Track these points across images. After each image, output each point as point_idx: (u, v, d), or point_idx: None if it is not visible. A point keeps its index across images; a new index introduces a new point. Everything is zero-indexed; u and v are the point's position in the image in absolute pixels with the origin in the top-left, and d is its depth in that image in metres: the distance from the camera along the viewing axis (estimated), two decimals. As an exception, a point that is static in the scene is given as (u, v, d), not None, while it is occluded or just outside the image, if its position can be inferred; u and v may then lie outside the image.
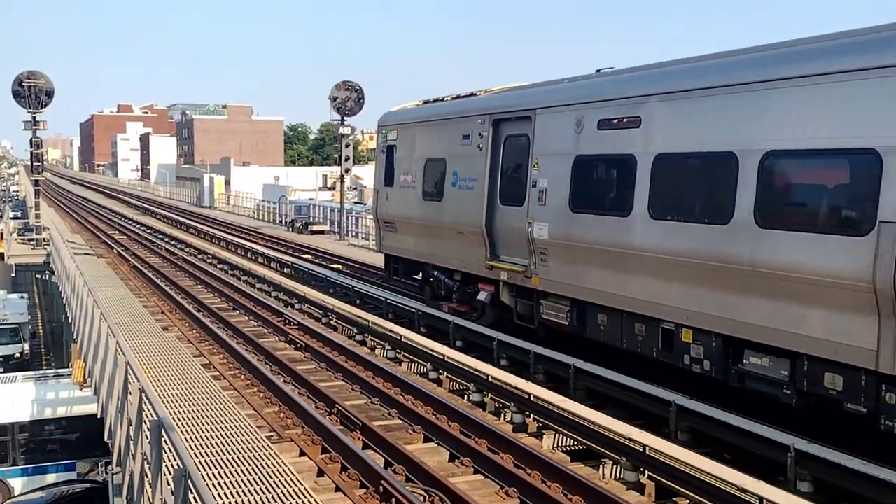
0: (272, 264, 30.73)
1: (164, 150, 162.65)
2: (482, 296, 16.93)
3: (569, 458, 10.93)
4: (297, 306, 22.32)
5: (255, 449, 9.91)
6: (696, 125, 11.58)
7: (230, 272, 29.29)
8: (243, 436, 10.41)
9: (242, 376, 15.11)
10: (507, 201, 15.67)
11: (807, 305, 9.76)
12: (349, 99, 43.49)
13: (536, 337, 15.15)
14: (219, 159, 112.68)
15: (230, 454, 9.70)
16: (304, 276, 26.81)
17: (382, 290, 21.84)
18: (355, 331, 18.70)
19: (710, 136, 11.24)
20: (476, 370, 13.92)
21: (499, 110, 16.14)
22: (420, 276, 20.13)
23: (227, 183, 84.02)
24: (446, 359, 14.97)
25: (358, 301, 21.80)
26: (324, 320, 20.45)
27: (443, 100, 19.33)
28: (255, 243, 37.96)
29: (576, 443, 11.21)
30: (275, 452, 9.84)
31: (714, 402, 10.96)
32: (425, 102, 20.15)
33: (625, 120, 12.76)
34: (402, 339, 16.72)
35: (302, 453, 11.07)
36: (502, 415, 12.66)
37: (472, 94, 18.24)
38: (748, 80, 10.73)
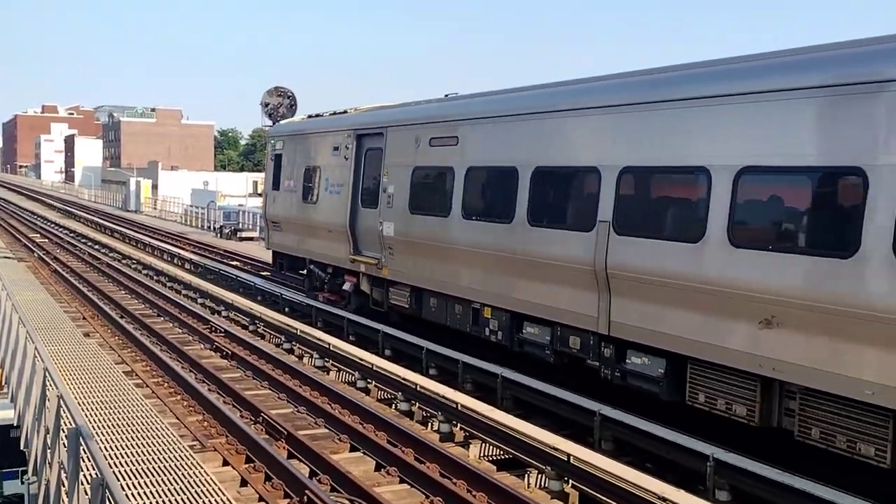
0: (199, 270, 30.25)
1: (90, 152, 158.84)
2: (347, 286, 19.34)
3: (495, 468, 10.98)
4: (224, 314, 22.02)
5: (176, 458, 9.73)
6: (492, 144, 14.33)
7: (155, 278, 28.75)
8: (165, 445, 10.22)
9: (166, 384, 14.84)
10: (366, 204, 18.07)
11: (559, 285, 12.47)
12: (281, 105, 42.98)
13: (389, 320, 17.83)
14: (146, 163, 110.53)
15: (151, 463, 9.51)
16: (232, 283, 26.43)
17: (311, 298, 21.74)
18: (283, 339, 18.52)
19: (501, 153, 14.01)
20: (404, 379, 13.91)
21: (361, 126, 18.66)
22: (306, 271, 22.16)
23: (155, 187, 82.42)
24: (375, 368, 14.93)
25: (287, 309, 21.59)
26: (251, 328, 20.21)
27: (322, 115, 21.85)
28: (182, 249, 37.32)
29: (502, 452, 11.27)
30: (197, 462, 9.68)
31: (639, 412, 11.14)
32: (309, 117, 22.79)
33: (447, 138, 15.38)
34: (331, 348, 16.62)
35: (225, 462, 10.91)
36: (430, 424, 12.67)
37: (344, 112, 20.65)
38: (526, 111, 13.58)
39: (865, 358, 8.40)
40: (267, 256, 35.05)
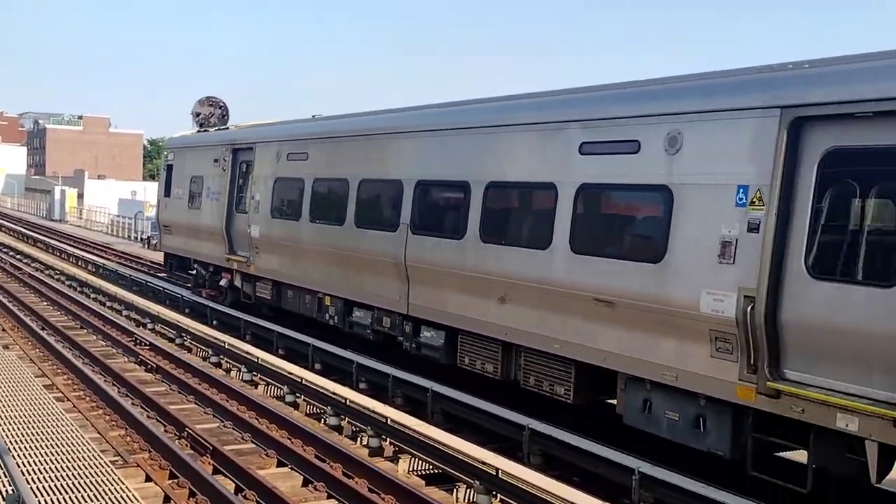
0: (124, 282, 29.59)
1: (13, 159, 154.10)
2: (223, 281, 22.24)
3: (424, 482, 10.96)
4: (149, 326, 21.58)
5: (97, 474, 9.46)
6: (331, 159, 17.28)
7: (79, 289, 28.05)
8: (86, 460, 9.93)
9: (88, 398, 14.45)
10: (239, 210, 20.84)
11: (376, 276, 15.31)
12: (213, 115, 42.22)
13: (259, 312, 20.74)
14: (72, 171, 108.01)
15: (70, 479, 9.23)
16: (159, 295, 25.92)
17: (241, 311, 21.62)
18: (210, 352, 18.23)
19: (338, 167, 16.97)
20: (334, 393, 13.80)
21: (236, 142, 21.41)
22: (192, 270, 24.93)
23: (81, 196, 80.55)
24: (304, 382, 14.78)
25: (215, 322, 21.27)
26: (178, 341, 19.85)
27: (207, 130, 25.04)
28: (108, 259, 36.51)
29: (431, 466, 11.24)
30: (119, 477, 9.42)
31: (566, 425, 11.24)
32: (198, 131, 25.76)
33: (300, 154, 18.29)
34: (259, 362, 16.41)
35: (148, 478, 10.66)
36: (359, 439, 12.58)
37: (227, 128, 24.01)
38: (351, 133, 16.83)
39: (553, 321, 11.47)
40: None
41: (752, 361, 8.83)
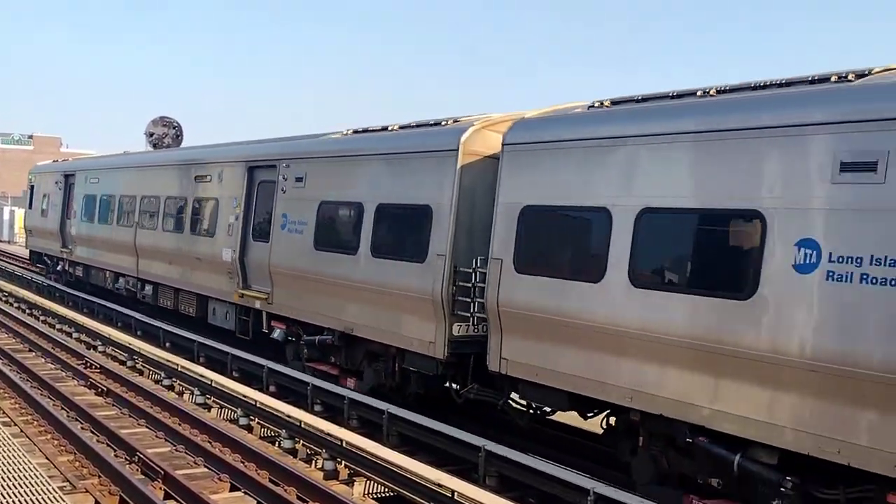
0: (72, 303, 29.06)
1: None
2: (59, 267, 32.22)
3: (379, 505, 10.88)
4: (100, 349, 21.19)
5: (46, 500, 9.26)
6: (108, 182, 27.38)
7: (28, 311, 27.47)
8: (33, 486, 9.71)
9: (35, 423, 14.12)
10: (68, 217, 30.69)
11: (125, 256, 25.44)
12: (166, 135, 41.95)
13: (85, 289, 29.21)
14: (21, 192, 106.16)
15: (16, 506, 9.01)
16: (110, 317, 25.52)
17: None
18: (163, 375, 17.96)
19: (111, 188, 26.92)
20: (288, 416, 13.67)
21: (67, 170, 31.93)
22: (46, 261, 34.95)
23: (31, 217, 79.06)
24: (258, 404, 14.63)
25: (168, 344, 20.98)
26: (129, 364, 19.51)
27: (57, 161, 36.03)
28: (58, 281, 35.81)
29: (387, 489, 11.17)
30: (67, 503, 9.23)
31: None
32: (54, 161, 36.68)
33: (95, 178, 28.36)
34: (213, 384, 16.21)
35: (98, 504, 10.45)
36: (314, 462, 12.46)
37: (67, 160, 36.32)
38: (115, 167, 27.94)
39: (188, 273, 21.43)
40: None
41: (238, 280, 18.34)
